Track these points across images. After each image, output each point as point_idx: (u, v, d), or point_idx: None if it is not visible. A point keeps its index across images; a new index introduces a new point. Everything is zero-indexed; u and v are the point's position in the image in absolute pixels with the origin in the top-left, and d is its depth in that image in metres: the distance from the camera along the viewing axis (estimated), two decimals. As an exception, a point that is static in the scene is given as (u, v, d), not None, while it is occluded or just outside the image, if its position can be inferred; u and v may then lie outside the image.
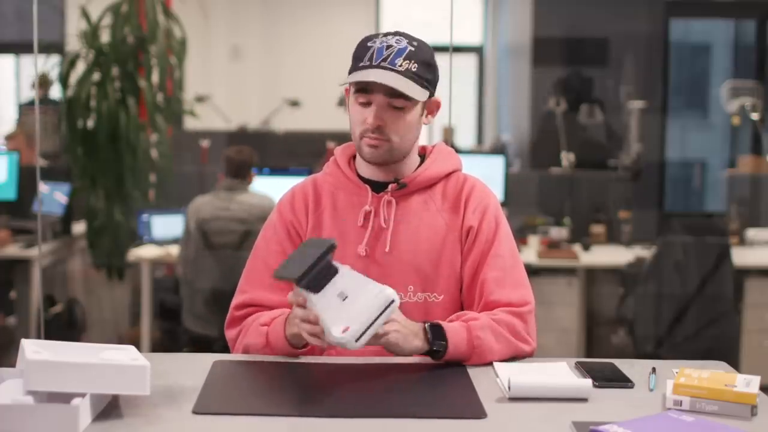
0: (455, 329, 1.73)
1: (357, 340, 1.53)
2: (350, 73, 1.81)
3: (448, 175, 1.92)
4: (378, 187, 1.88)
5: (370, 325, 1.53)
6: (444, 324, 1.73)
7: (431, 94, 1.85)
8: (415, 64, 1.79)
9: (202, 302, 4.15)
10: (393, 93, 1.78)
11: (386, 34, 1.83)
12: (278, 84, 7.91)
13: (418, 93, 1.79)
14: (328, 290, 1.58)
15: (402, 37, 1.82)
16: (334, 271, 1.59)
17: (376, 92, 1.79)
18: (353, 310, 1.55)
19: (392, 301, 1.54)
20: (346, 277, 1.59)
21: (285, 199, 1.96)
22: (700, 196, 7.24)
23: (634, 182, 5.10)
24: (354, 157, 1.94)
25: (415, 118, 1.83)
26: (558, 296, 4.56)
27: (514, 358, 1.79)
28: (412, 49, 1.80)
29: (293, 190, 1.96)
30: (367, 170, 1.90)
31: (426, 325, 1.72)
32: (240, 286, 1.92)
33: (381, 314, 1.53)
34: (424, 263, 1.85)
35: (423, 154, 1.95)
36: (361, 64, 1.79)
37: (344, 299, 1.57)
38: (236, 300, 1.90)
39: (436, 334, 1.71)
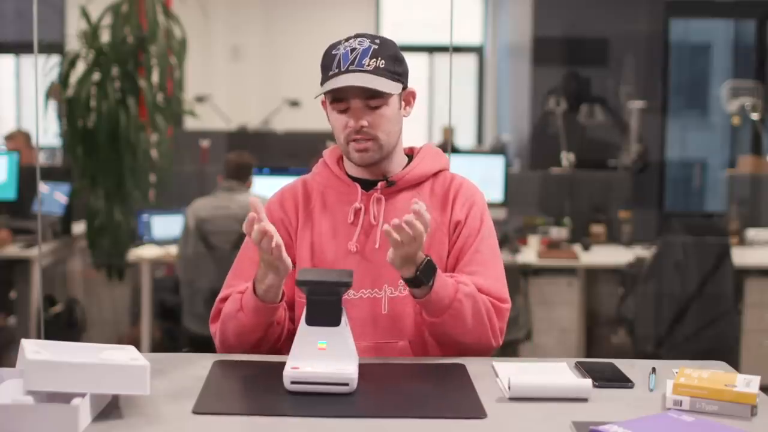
0: (446, 282, 1.76)
1: (291, 383, 1.55)
2: (322, 84, 1.84)
3: (435, 174, 1.96)
4: (367, 185, 1.92)
5: (314, 383, 1.54)
6: (439, 272, 1.76)
7: (404, 86, 1.89)
8: (383, 61, 1.82)
9: (202, 302, 4.14)
10: (368, 94, 1.81)
11: (347, 39, 1.86)
12: (278, 84, 7.90)
13: (391, 87, 1.82)
14: (317, 332, 1.59)
15: (364, 38, 1.85)
16: (335, 322, 1.60)
17: (351, 97, 1.82)
18: (316, 361, 1.56)
19: (346, 384, 1.55)
20: (337, 335, 1.59)
21: (274, 199, 1.99)
22: (700, 196, 7.24)
23: (640, 174, 5.10)
24: (342, 158, 1.97)
25: (394, 113, 1.87)
26: (558, 296, 4.56)
27: (477, 345, 1.81)
28: (375, 47, 1.83)
29: (282, 190, 2.00)
30: (355, 170, 1.93)
31: (426, 259, 1.73)
32: (227, 281, 1.95)
33: (328, 384, 1.54)
34: None
35: (410, 154, 1.99)
36: (331, 73, 1.82)
37: (319, 348, 1.58)
38: (221, 294, 1.92)
39: (427, 272, 1.73)
